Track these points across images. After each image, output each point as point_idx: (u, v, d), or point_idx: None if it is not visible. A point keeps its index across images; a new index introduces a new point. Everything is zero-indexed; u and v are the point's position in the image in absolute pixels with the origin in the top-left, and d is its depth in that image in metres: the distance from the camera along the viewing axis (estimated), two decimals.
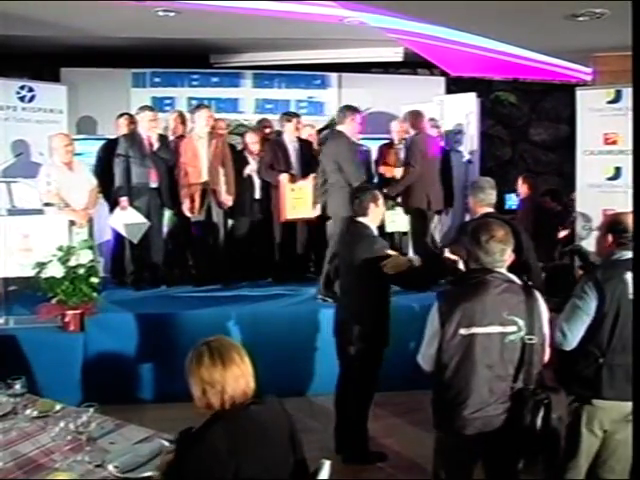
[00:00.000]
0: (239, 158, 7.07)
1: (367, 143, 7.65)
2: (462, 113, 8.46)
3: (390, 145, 7.56)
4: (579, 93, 6.84)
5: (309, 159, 6.90)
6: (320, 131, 8.17)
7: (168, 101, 9.01)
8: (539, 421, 3.01)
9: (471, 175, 8.20)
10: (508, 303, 3.09)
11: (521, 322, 3.08)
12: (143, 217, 6.50)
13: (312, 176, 6.59)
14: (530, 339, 3.07)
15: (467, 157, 8.39)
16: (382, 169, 7.25)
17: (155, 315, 5.72)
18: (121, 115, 7.29)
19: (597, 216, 6.17)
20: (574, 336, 3.36)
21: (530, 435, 3.02)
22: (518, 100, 10.29)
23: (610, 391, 3.35)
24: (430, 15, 5.83)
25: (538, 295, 3.18)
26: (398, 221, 7.27)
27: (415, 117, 6.84)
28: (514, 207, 8.20)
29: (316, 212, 6.53)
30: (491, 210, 4.56)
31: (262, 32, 7.78)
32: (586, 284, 3.36)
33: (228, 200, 6.73)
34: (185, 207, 6.62)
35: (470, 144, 8.42)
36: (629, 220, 3.43)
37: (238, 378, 2.50)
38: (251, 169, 7.06)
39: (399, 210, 7.04)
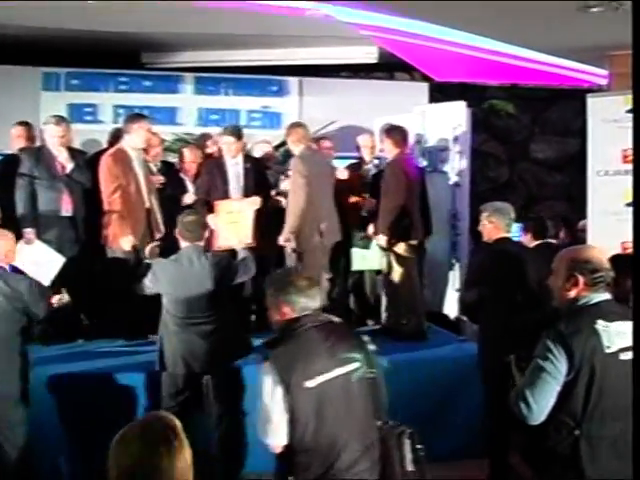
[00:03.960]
0: (174, 180, 7.08)
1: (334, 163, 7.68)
2: (449, 126, 8.35)
3: (358, 166, 7.65)
4: (591, 101, 6.87)
5: (260, 182, 6.96)
6: (278, 147, 8.21)
7: (88, 109, 8.94)
8: (408, 455, 3.43)
9: (459, 201, 8.21)
10: (341, 342, 3.50)
11: (359, 357, 3.50)
12: (55, 252, 6.24)
13: (254, 199, 6.68)
14: (372, 372, 3.51)
15: (454, 179, 8.32)
16: (351, 198, 7.33)
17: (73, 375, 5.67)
18: (18, 124, 7.09)
19: (613, 249, 5.98)
20: (541, 407, 3.33)
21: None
22: (517, 110, 10.36)
23: (592, 469, 3.27)
24: (414, 10, 5.84)
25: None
26: (370, 257, 7.33)
27: (400, 135, 6.99)
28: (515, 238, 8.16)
29: (248, 239, 6.47)
30: (508, 235, 5.32)
31: (206, 26, 7.76)
32: (549, 341, 3.34)
33: (161, 228, 6.67)
34: (126, 241, 6.44)
35: (458, 163, 8.33)
36: (597, 255, 3.47)
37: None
38: (191, 197, 7.03)
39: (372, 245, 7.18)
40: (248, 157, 7.11)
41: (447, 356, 6.61)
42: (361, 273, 7.67)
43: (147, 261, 5.67)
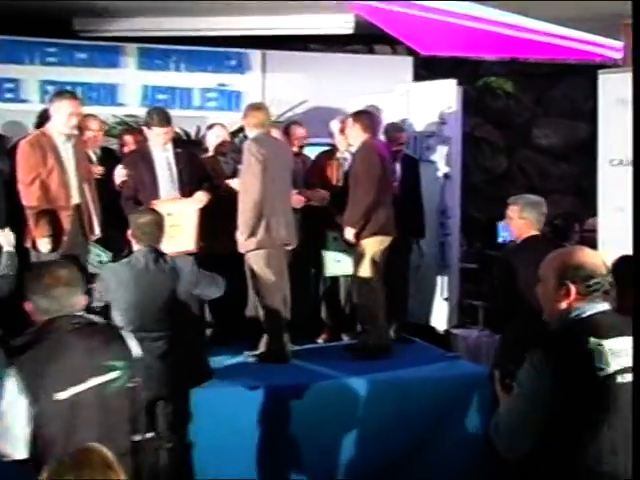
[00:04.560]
0: (112, 170, 6.95)
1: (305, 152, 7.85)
2: (436, 108, 8.43)
3: (331, 154, 7.72)
4: (603, 78, 6.95)
5: (197, 168, 6.98)
6: (235, 133, 8.23)
7: (9, 85, 8.79)
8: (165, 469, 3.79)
9: (449, 195, 8.31)
10: (101, 348, 3.59)
11: (120, 364, 3.61)
12: None
13: (197, 197, 6.71)
14: (134, 381, 3.65)
15: (443, 170, 8.38)
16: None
17: None
18: None
19: (628, 250, 6.05)
20: (515, 443, 3.24)
21: None
22: (517, 88, 10.49)
23: None
24: None
25: (125, 333, 3.82)
26: (345, 261, 7.39)
27: (369, 119, 7.14)
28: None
29: (190, 246, 6.55)
30: (538, 233, 5.54)
31: None
32: (531, 365, 3.19)
33: (96, 230, 6.64)
34: (43, 243, 6.35)
35: (448, 152, 8.40)
36: (591, 258, 3.31)
37: None
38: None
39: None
40: (178, 140, 7.12)
41: (436, 376, 6.64)
42: (335, 279, 7.74)
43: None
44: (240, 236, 6.63)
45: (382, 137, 7.59)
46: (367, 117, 7.17)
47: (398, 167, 7.69)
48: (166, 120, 6.82)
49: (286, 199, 6.93)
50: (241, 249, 6.69)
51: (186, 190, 6.80)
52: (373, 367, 6.55)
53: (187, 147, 7.16)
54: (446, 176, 8.36)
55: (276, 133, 7.39)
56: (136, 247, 5.34)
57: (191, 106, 9.34)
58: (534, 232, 5.55)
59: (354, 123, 7.11)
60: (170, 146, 6.89)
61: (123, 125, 8.62)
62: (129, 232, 5.40)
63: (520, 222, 5.56)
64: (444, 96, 8.48)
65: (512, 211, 5.60)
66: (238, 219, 6.64)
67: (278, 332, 6.78)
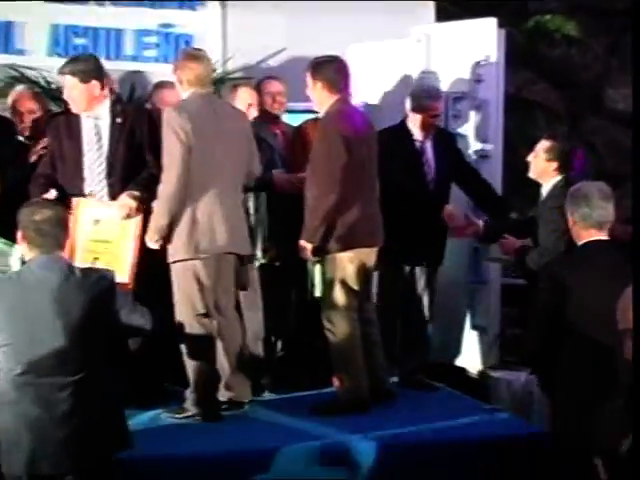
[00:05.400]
0: (8, 146, 7.22)
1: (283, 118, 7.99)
2: (469, 59, 8.46)
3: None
4: None
5: (139, 148, 6.95)
6: None
7: None
8: None
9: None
10: None
11: None
12: None
13: (125, 198, 6.66)
14: None
15: (477, 147, 8.45)
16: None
17: None
18: None
19: None
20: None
21: None
22: (582, 32, 10.32)
23: None
24: None
25: None
26: None
27: (337, 72, 7.03)
28: None
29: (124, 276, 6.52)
30: (604, 237, 5.57)
31: None
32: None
33: None
34: None
35: (484, 121, 8.47)
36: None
37: None
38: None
39: None
40: (118, 103, 7.10)
41: (468, 437, 6.59)
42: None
43: None
44: (148, 240, 6.62)
45: (408, 106, 7.62)
46: (332, 69, 6.99)
47: (430, 149, 7.69)
48: (96, 72, 6.88)
49: (232, 191, 6.85)
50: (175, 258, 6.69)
51: (117, 181, 6.80)
52: (374, 423, 6.52)
53: (136, 115, 7.12)
54: (482, 155, 8.39)
55: (247, 95, 7.47)
56: (29, 255, 5.19)
57: (121, 55, 9.25)
58: (598, 235, 5.50)
59: (313, 80, 6.97)
60: (106, 110, 6.93)
61: (19, 81, 8.55)
62: (18, 234, 5.27)
63: (571, 220, 5.60)
64: (479, 42, 8.49)
65: (569, 208, 5.64)
66: (153, 216, 6.64)
67: (211, 381, 6.76)
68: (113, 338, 5.42)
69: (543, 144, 6.93)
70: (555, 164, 6.91)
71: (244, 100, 7.43)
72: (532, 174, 6.97)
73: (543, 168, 6.91)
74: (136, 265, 6.62)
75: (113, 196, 6.75)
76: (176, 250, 6.60)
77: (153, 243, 6.61)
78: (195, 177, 6.56)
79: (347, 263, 6.84)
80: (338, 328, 6.92)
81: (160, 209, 6.56)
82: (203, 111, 6.70)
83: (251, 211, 7.48)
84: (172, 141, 6.54)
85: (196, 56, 6.88)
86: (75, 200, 6.56)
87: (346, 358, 6.95)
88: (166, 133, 6.59)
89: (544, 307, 5.56)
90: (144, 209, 6.64)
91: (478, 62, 8.34)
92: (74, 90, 6.78)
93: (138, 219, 6.61)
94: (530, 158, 6.97)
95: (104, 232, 6.56)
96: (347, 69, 7.09)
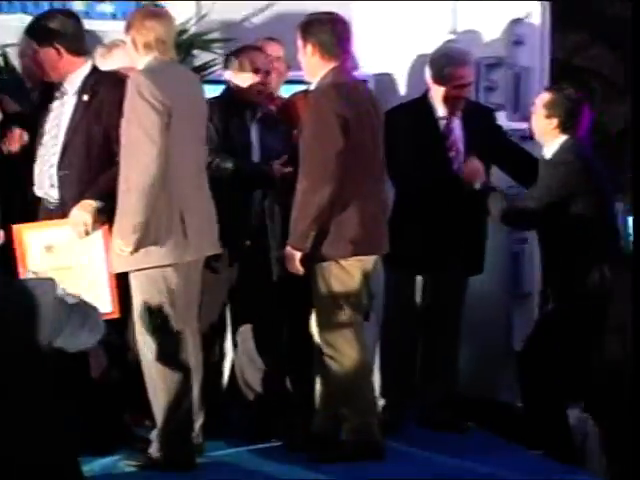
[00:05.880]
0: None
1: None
2: (505, 17, 8.76)
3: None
4: None
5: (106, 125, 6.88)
6: None
7: None
8: None
9: None
10: None
11: None
12: None
13: (78, 213, 6.68)
14: None
15: (517, 125, 8.65)
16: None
17: None
18: None
19: None
20: None
21: None
22: None
23: None
24: None
25: None
26: None
27: (334, 33, 6.96)
28: None
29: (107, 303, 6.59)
30: None
31: None
32: None
33: None
34: None
35: (525, 93, 8.62)
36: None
37: None
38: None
39: None
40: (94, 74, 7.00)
41: None
42: None
43: None
44: (121, 245, 6.50)
45: (428, 75, 7.65)
46: (327, 28, 6.92)
47: (457, 129, 7.77)
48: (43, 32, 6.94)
49: (203, 180, 6.89)
50: (120, 267, 6.64)
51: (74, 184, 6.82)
52: (383, 471, 6.53)
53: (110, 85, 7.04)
54: (523, 136, 8.51)
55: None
56: None
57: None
58: None
59: (303, 42, 6.88)
60: (79, 79, 6.98)
61: None
62: None
63: None
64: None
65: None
66: (119, 212, 6.52)
67: (183, 420, 6.75)
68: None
69: (542, 97, 7.25)
70: (556, 121, 7.22)
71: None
72: (535, 135, 7.41)
73: (542, 126, 7.26)
74: (117, 287, 6.64)
75: (63, 201, 6.86)
76: (144, 255, 6.56)
77: (131, 249, 6.52)
78: (170, 162, 6.52)
79: (345, 274, 6.85)
80: (342, 353, 6.90)
81: (133, 203, 6.48)
82: (171, 79, 6.67)
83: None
84: (144, 112, 6.46)
85: (155, 13, 6.74)
86: (15, 228, 6.62)
87: (354, 390, 6.94)
88: (134, 104, 6.51)
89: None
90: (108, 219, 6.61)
91: (517, 20, 8.60)
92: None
93: (102, 232, 6.68)
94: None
95: (61, 258, 6.67)
96: (347, 30, 7.00)
